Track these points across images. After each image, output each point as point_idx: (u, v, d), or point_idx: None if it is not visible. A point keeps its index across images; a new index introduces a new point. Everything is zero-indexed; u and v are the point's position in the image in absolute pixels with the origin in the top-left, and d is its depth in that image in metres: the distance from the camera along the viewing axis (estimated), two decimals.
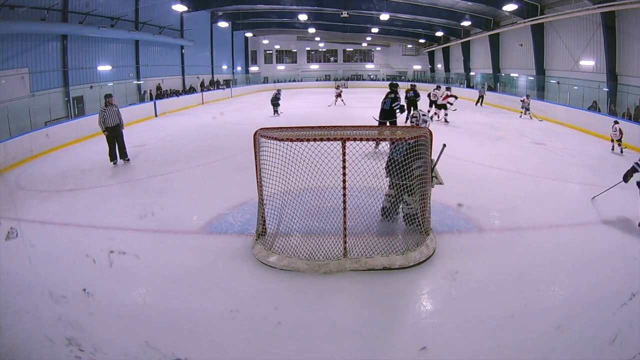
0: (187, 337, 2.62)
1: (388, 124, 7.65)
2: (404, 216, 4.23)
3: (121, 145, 7.60)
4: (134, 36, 16.06)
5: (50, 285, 3.23)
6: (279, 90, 14.74)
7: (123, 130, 7.66)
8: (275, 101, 14.10)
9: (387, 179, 4.09)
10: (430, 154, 3.98)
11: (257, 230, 3.98)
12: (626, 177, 4.68)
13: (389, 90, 7.90)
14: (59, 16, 12.18)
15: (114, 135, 7.44)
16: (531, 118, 13.03)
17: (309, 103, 19.18)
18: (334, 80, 31.48)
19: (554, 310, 2.90)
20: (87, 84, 13.82)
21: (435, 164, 4.12)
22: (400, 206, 4.26)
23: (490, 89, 20.35)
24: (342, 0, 19.70)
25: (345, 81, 31.26)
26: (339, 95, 17.78)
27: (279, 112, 14.13)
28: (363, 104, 17.97)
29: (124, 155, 7.64)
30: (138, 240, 4.22)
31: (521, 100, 13.55)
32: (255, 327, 2.74)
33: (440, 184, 4.38)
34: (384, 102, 7.86)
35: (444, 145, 4.15)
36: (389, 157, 4.09)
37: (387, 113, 7.74)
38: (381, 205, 4.27)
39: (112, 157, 7.48)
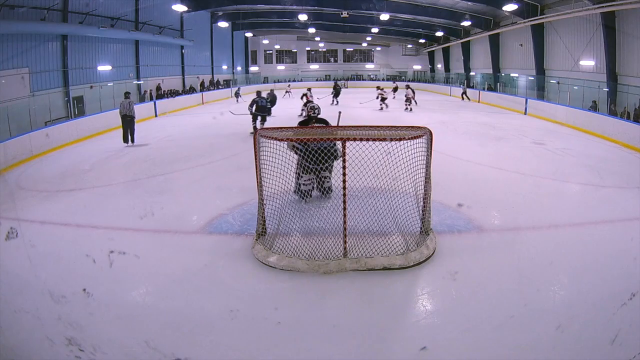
0: (187, 337, 2.62)
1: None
2: (327, 189, 4.59)
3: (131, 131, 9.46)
4: (134, 36, 16.06)
5: (50, 285, 3.22)
6: (239, 87, 20.35)
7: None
8: (236, 93, 19.46)
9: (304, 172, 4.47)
10: (431, 154, 3.98)
11: (257, 230, 3.97)
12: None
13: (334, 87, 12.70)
14: (59, 16, 12.19)
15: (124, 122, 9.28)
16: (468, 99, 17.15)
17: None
18: (333, 80, 31.71)
19: (554, 310, 2.89)
20: (87, 84, 13.82)
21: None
22: (323, 182, 4.66)
23: (490, 89, 20.41)
24: (342, 0, 19.71)
25: (345, 81, 31.29)
26: (287, 91, 21.87)
27: (238, 100, 18.39)
28: (364, 104, 17.95)
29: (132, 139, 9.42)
30: (138, 240, 4.22)
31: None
32: (255, 327, 2.74)
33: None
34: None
35: (339, 113, 5.62)
36: (305, 156, 4.35)
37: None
38: (300, 189, 4.62)
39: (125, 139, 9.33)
